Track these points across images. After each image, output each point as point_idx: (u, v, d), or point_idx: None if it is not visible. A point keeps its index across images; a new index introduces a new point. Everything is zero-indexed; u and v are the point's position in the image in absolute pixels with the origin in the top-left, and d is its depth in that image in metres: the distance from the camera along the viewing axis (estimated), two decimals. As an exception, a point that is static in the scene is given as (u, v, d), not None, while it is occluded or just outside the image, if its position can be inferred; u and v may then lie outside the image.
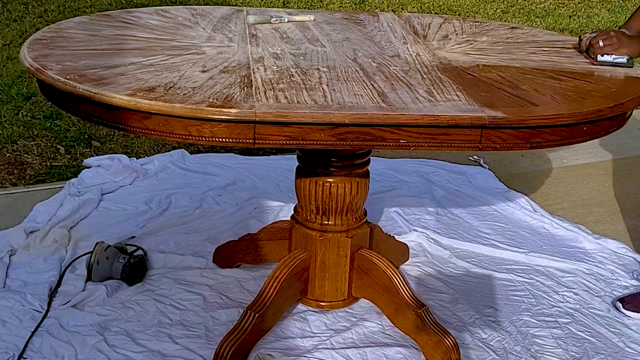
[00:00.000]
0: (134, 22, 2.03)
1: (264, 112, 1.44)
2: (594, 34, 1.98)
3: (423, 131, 1.52)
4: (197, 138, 1.46)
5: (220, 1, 5.45)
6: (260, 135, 1.47)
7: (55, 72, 1.54)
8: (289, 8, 5.30)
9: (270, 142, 1.48)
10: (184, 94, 1.48)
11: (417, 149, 1.53)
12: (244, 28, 2.09)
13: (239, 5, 5.35)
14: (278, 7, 5.29)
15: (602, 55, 1.90)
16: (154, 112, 1.44)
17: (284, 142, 1.48)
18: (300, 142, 1.49)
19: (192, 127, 1.45)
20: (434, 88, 1.66)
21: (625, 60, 1.89)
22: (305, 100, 1.51)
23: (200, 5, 2.97)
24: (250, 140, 1.47)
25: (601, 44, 1.90)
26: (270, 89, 1.56)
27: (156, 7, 2.22)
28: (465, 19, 2.38)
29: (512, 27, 2.32)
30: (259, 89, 1.56)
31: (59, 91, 1.54)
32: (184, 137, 1.46)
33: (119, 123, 1.49)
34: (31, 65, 1.59)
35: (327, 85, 1.62)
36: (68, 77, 1.51)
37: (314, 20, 2.25)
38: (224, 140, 1.47)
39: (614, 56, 1.89)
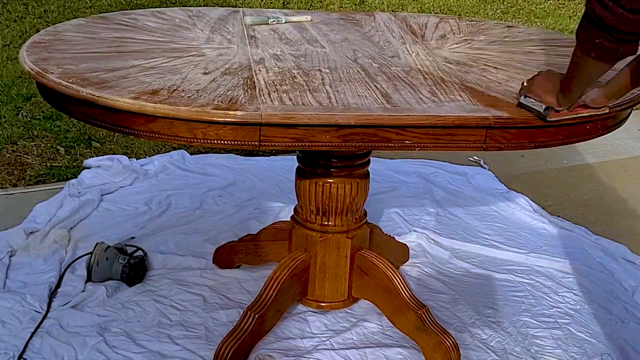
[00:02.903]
0: (132, 24, 2.01)
1: (270, 114, 1.44)
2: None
3: (428, 132, 1.52)
4: (202, 141, 1.46)
5: (220, 1, 5.43)
6: (265, 137, 1.47)
7: (57, 75, 1.53)
8: (288, 8, 5.30)
9: (276, 144, 1.48)
10: (188, 97, 1.47)
11: (421, 149, 1.53)
12: (241, 29, 2.09)
13: (239, 6, 5.35)
14: (277, 8, 5.29)
15: (524, 97, 1.54)
16: (159, 115, 1.43)
17: (289, 144, 1.48)
18: (306, 143, 1.49)
19: (197, 130, 1.45)
20: (436, 88, 1.66)
21: (541, 110, 1.50)
22: (309, 102, 1.51)
23: (200, 5, 2.96)
24: (256, 143, 1.47)
25: (524, 83, 1.57)
26: (274, 91, 1.56)
27: (152, 9, 2.21)
28: (461, 18, 2.38)
29: (509, 26, 2.32)
30: (262, 90, 1.55)
31: (60, 95, 1.52)
32: (189, 140, 1.46)
33: (123, 126, 1.48)
34: (32, 69, 1.57)
35: (330, 86, 1.62)
36: (70, 80, 1.50)
37: (311, 20, 2.24)
38: (229, 142, 1.46)
39: (532, 101, 1.52)
